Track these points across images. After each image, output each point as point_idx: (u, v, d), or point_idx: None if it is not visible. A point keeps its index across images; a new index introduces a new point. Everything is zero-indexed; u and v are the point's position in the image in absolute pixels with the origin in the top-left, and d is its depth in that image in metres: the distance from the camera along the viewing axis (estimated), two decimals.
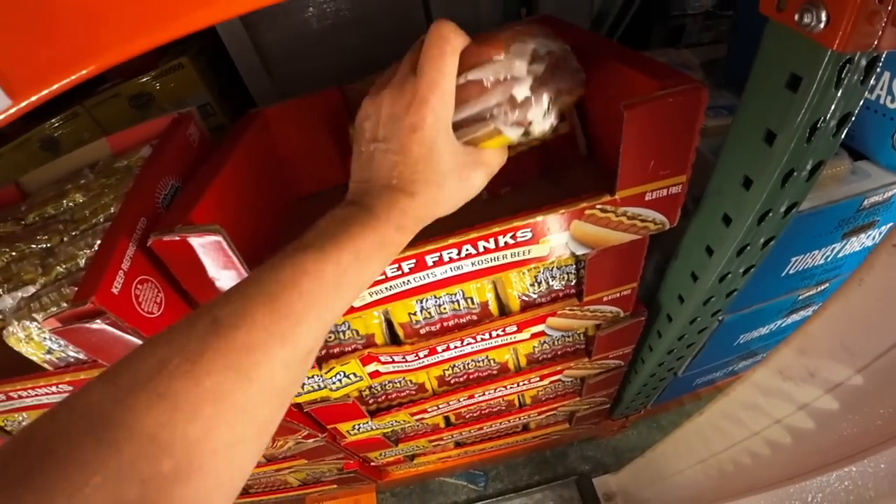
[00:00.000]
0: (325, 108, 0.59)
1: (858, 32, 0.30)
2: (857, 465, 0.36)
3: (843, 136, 0.37)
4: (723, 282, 0.50)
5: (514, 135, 0.32)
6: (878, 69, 0.52)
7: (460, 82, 0.31)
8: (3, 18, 0.21)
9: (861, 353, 0.34)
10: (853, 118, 0.36)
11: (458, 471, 1.16)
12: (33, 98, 0.22)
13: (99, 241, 0.51)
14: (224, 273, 0.40)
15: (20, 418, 0.69)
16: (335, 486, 0.99)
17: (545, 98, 0.31)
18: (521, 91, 0.30)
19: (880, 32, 0.30)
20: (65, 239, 0.60)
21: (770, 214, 0.41)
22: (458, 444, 0.96)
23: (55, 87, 0.22)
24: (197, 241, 0.36)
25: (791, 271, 0.61)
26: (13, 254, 0.62)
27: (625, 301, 0.57)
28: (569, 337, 0.67)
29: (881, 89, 0.52)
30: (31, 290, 0.56)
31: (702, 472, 0.63)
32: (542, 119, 0.32)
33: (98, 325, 0.38)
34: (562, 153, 0.51)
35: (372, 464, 0.91)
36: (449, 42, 0.29)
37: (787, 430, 0.44)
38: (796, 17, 0.30)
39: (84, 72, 0.21)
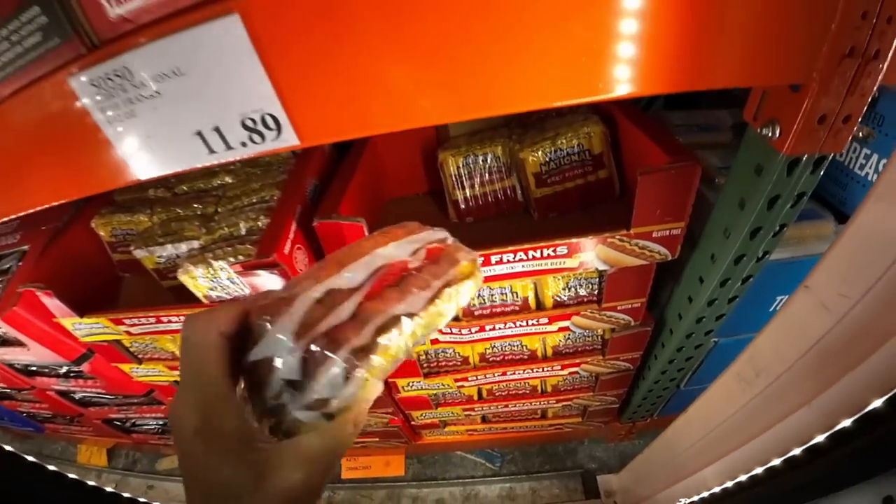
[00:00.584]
0: (419, 131, 0.77)
1: (803, 142, 0.44)
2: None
3: (802, 207, 0.51)
4: (711, 306, 0.65)
5: (307, 418, 0.25)
6: (868, 153, 0.66)
7: (249, 359, 0.25)
8: (310, 81, 0.29)
9: (787, 356, 0.49)
10: (808, 196, 0.50)
11: (480, 448, 1.33)
12: (315, 143, 0.39)
13: (256, 216, 0.72)
14: None
15: (147, 341, 0.90)
16: (377, 439, 1.17)
17: (329, 371, 0.24)
18: (285, 372, 0.24)
19: (822, 142, 0.45)
20: (219, 209, 0.81)
21: (745, 258, 0.56)
22: (484, 419, 1.12)
23: (333, 140, 0.38)
24: (345, 225, 0.55)
25: (778, 308, 0.74)
26: (169, 214, 0.82)
27: (635, 312, 0.73)
28: (588, 336, 0.82)
29: (870, 168, 0.64)
30: (196, 243, 0.76)
31: (687, 458, 0.77)
32: (339, 393, 0.24)
33: (272, 272, 0.57)
34: (601, 193, 0.68)
35: (412, 423, 1.09)
36: (205, 347, 0.25)
37: (744, 415, 0.58)
38: (758, 128, 0.45)
39: (362, 135, 0.38)
